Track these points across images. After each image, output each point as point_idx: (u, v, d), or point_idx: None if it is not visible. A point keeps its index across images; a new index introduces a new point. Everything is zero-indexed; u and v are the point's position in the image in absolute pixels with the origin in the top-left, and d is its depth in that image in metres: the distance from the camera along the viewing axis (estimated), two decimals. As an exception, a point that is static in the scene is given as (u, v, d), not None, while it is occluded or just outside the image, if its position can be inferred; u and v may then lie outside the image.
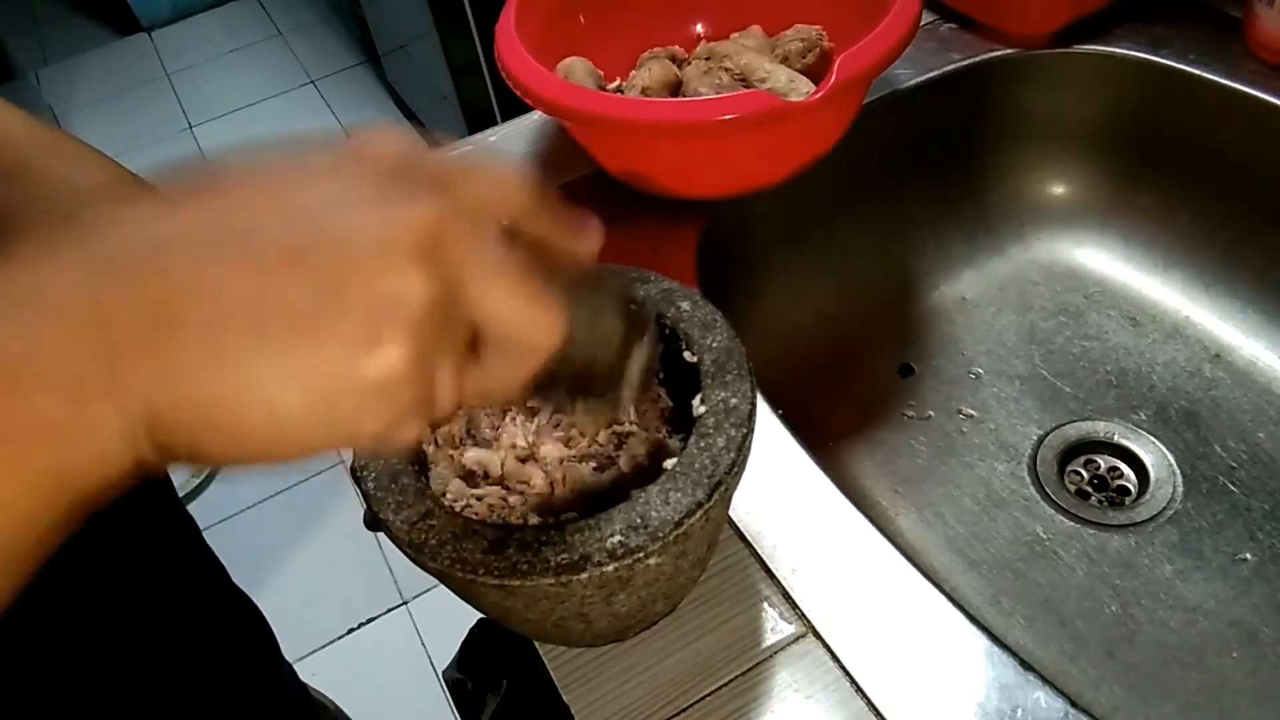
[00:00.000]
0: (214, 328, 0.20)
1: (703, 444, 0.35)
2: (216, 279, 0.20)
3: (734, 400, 0.36)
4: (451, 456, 0.38)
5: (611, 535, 0.32)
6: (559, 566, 0.32)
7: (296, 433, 0.21)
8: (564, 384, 0.31)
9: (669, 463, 0.35)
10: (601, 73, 0.63)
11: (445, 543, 0.33)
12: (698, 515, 0.33)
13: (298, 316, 0.20)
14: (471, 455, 0.39)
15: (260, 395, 0.20)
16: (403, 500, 0.35)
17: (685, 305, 0.40)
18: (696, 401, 0.37)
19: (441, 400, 0.23)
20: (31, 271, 0.20)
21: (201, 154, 2.34)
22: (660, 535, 0.32)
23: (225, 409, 0.20)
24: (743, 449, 0.35)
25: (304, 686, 0.58)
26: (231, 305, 0.20)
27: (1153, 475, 0.61)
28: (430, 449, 0.38)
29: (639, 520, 0.33)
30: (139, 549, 0.41)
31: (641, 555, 0.32)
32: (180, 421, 0.20)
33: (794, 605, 0.42)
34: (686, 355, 0.39)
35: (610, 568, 0.32)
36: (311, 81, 2.52)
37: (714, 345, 0.38)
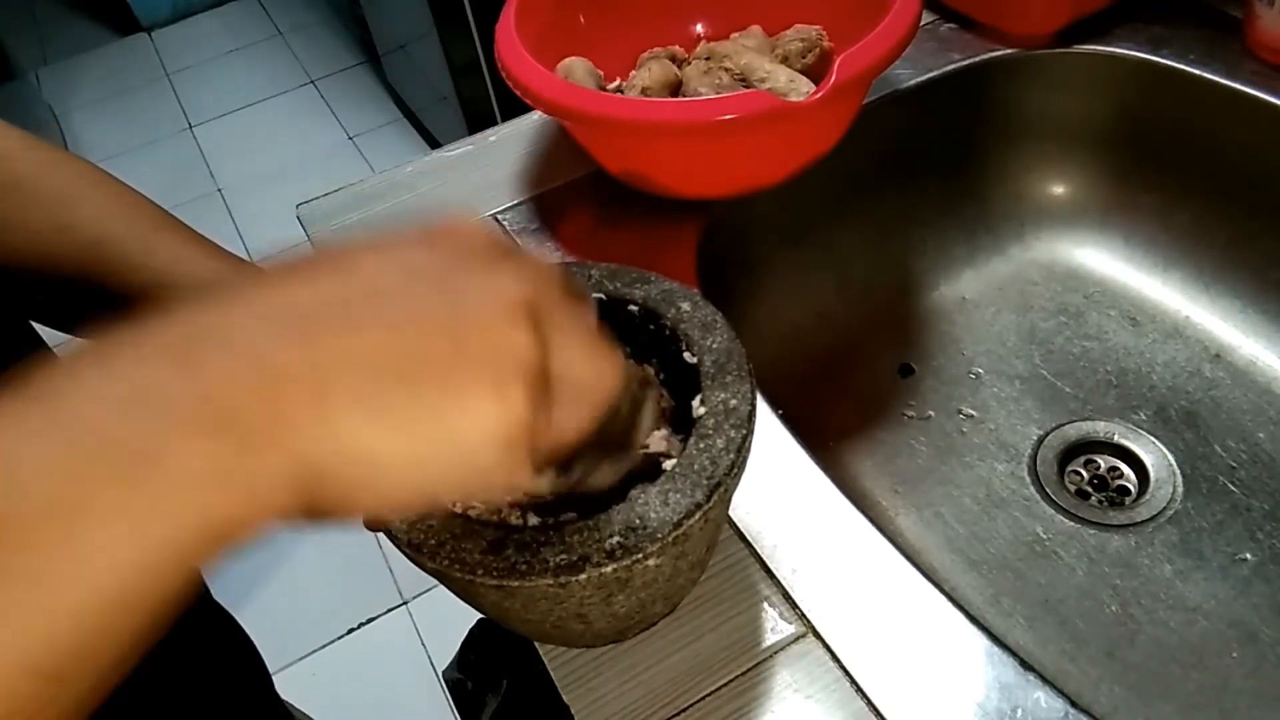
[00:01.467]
0: (370, 386, 0.22)
1: (702, 445, 0.35)
2: (365, 342, 0.22)
3: (734, 401, 0.36)
4: None
5: (610, 536, 0.32)
6: (558, 567, 0.32)
7: (438, 480, 0.24)
8: (591, 448, 0.34)
9: (668, 463, 0.35)
10: (601, 73, 0.63)
11: (444, 543, 0.33)
12: (696, 516, 0.33)
13: (439, 371, 0.23)
14: None
15: (412, 445, 0.22)
16: None
17: (685, 306, 0.40)
18: (696, 402, 0.37)
19: (543, 446, 0.25)
20: (213, 317, 0.22)
21: (201, 154, 2.35)
22: (659, 536, 0.32)
23: (381, 460, 0.22)
24: (742, 450, 0.35)
25: (290, 714, 0.58)
26: (382, 365, 0.22)
27: (1153, 475, 0.61)
28: None
29: (638, 521, 0.33)
30: None
31: (640, 556, 0.32)
32: (338, 474, 0.22)
33: (794, 605, 0.42)
34: (686, 356, 0.39)
35: (609, 569, 0.32)
36: (311, 81, 2.52)
37: (714, 346, 0.38)
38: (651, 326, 0.41)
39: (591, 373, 0.26)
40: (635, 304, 0.41)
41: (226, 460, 0.20)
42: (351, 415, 0.22)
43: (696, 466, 0.34)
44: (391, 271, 0.24)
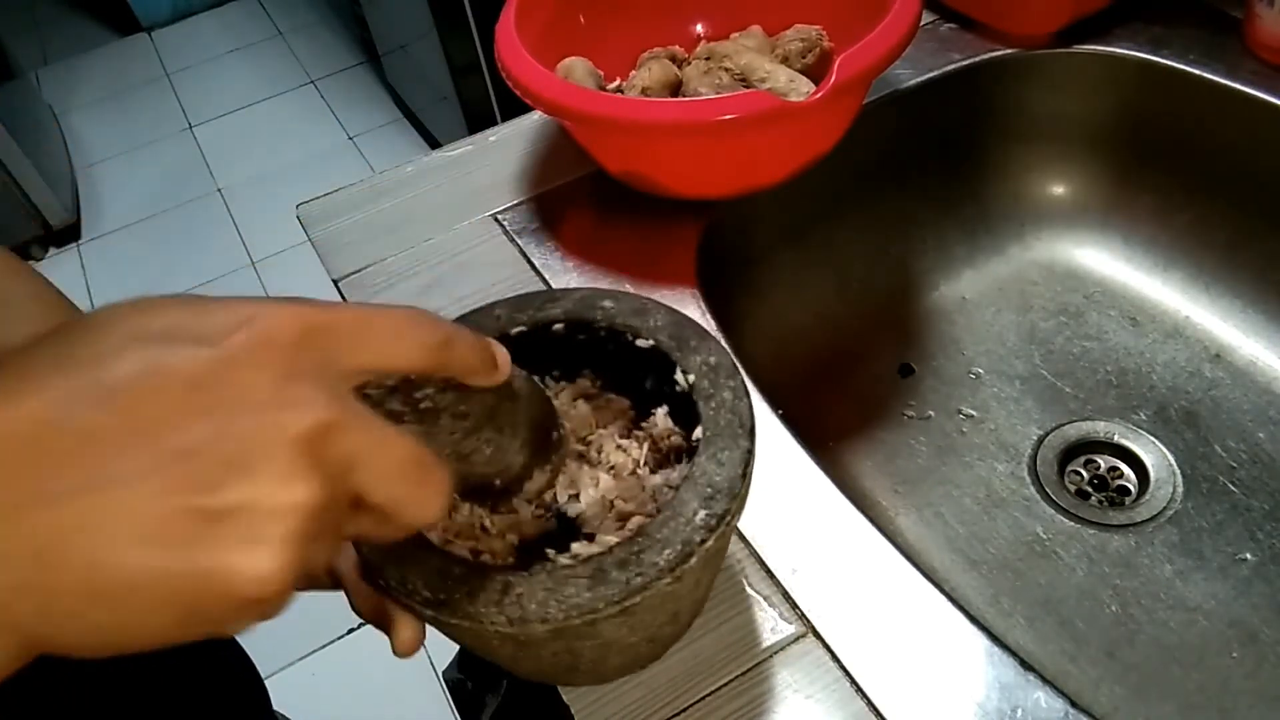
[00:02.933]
0: (99, 570, 0.20)
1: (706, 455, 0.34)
2: (99, 516, 0.20)
3: (724, 455, 0.34)
4: None
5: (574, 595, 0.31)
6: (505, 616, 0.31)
7: (165, 637, 0.21)
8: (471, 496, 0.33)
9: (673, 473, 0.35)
10: (601, 73, 0.63)
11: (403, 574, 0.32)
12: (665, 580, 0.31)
13: (181, 539, 0.20)
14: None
15: (138, 617, 0.20)
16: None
17: (608, 303, 0.39)
18: (697, 433, 0.36)
19: (315, 572, 0.24)
20: None
21: (201, 154, 2.35)
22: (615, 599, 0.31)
23: (105, 629, 0.21)
24: (723, 523, 0.33)
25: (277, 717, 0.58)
26: (120, 531, 0.20)
27: (1153, 475, 0.61)
28: None
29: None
30: None
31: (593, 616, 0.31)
32: (59, 638, 0.21)
33: (794, 605, 0.42)
34: (639, 342, 0.38)
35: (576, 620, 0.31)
36: (311, 81, 2.52)
37: (657, 325, 0.38)
38: (582, 336, 0.39)
39: (403, 504, 0.24)
40: (558, 322, 0.40)
41: None
42: (73, 591, 0.20)
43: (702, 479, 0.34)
44: (154, 380, 0.21)
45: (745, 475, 0.33)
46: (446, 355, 0.26)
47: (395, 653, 0.33)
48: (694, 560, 0.31)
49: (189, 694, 0.44)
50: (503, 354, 0.29)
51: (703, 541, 0.31)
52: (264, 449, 0.21)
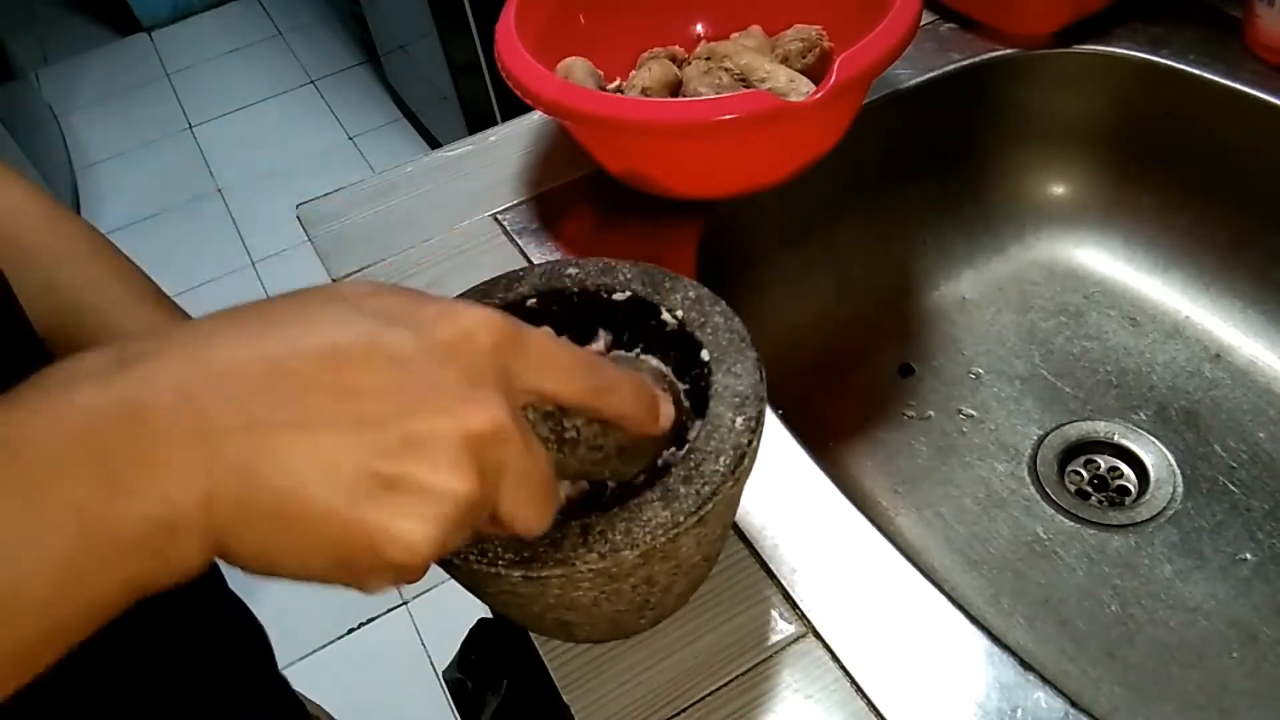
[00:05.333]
0: (290, 498, 0.23)
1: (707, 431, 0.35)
2: (301, 453, 0.23)
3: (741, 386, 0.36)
4: None
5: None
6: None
7: (314, 573, 0.24)
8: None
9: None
10: (601, 73, 0.63)
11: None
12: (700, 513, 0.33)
13: (358, 491, 0.23)
14: None
15: (301, 546, 0.23)
16: None
17: (573, 271, 0.41)
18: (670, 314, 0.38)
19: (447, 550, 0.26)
20: (150, 390, 0.22)
21: (201, 154, 2.34)
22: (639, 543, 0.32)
23: (275, 550, 0.23)
24: (749, 452, 0.35)
25: (299, 700, 0.58)
26: (313, 470, 0.23)
27: (1153, 475, 0.61)
28: None
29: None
30: None
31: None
32: (240, 548, 0.23)
33: (794, 605, 0.42)
34: (616, 296, 0.39)
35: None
36: (311, 81, 2.52)
37: (626, 278, 0.40)
38: (556, 307, 0.41)
39: (523, 515, 0.27)
40: (529, 298, 0.41)
41: (156, 539, 0.22)
42: (264, 522, 0.23)
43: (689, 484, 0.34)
44: (368, 350, 0.24)
45: (762, 379, 0.36)
46: (603, 400, 0.29)
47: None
48: (746, 460, 0.34)
49: (196, 647, 0.45)
50: (666, 411, 0.32)
51: (750, 443, 0.34)
52: (442, 436, 0.24)
